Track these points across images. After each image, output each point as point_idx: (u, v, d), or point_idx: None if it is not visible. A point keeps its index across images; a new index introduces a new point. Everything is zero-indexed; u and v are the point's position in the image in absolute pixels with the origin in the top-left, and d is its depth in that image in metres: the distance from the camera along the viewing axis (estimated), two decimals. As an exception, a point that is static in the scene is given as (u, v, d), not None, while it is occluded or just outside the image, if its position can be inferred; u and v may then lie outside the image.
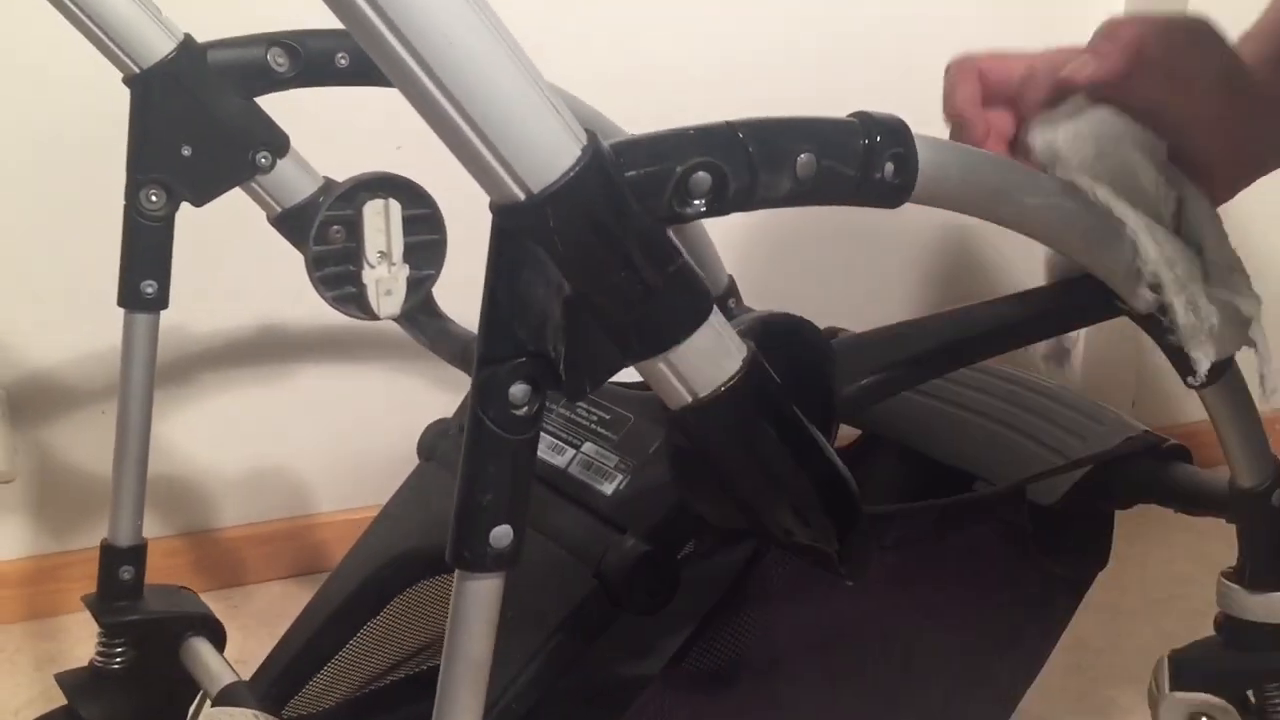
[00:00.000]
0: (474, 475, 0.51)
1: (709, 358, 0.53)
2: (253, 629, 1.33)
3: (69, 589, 1.35)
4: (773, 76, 1.55)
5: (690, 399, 0.53)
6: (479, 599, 0.52)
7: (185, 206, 0.86)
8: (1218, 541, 0.88)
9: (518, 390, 0.50)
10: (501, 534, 0.51)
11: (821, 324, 1.06)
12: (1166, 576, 1.34)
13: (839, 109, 0.56)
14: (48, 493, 1.39)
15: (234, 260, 1.33)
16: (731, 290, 1.32)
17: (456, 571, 0.52)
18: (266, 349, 1.42)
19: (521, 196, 0.47)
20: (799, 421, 0.57)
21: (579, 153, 0.47)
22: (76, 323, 1.33)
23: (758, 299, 1.36)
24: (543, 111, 0.46)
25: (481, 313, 0.50)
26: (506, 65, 0.45)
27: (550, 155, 0.46)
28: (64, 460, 1.38)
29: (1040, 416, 0.93)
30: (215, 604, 1.32)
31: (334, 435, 1.47)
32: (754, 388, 0.54)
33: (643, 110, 1.43)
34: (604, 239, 0.48)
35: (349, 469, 1.47)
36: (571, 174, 0.47)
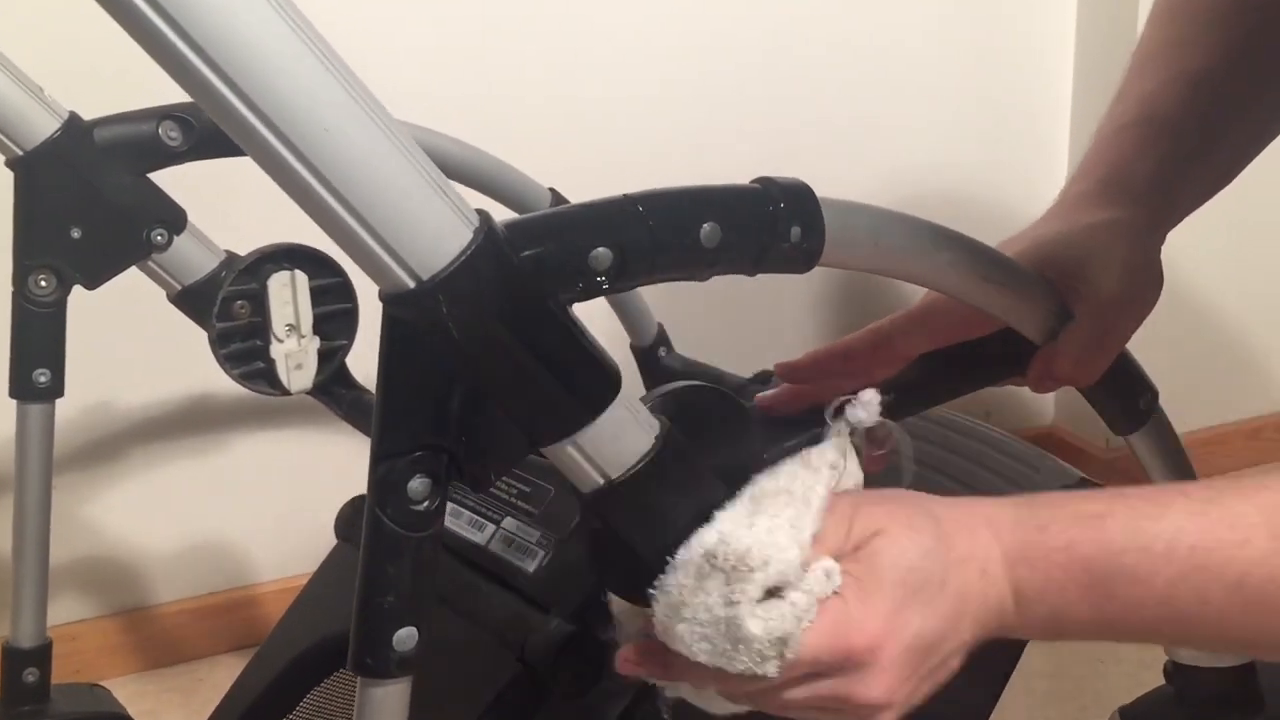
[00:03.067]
0: (373, 576, 0.48)
1: (619, 438, 0.50)
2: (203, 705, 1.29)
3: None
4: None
5: (603, 481, 0.51)
6: (384, 707, 0.50)
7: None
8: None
9: (417, 485, 0.47)
10: (405, 636, 0.49)
11: (758, 366, 1.04)
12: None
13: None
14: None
15: (156, 332, 1.29)
16: (662, 339, 1.30)
17: (359, 679, 0.49)
18: (196, 421, 1.39)
19: (411, 284, 0.44)
20: (721, 500, 0.55)
21: (470, 235, 0.45)
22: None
23: (691, 345, 1.34)
24: (427, 194, 0.43)
25: (375, 405, 0.47)
26: (387, 149, 0.42)
27: (438, 239, 0.44)
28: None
29: (977, 464, 0.91)
30: (160, 682, 1.28)
31: (270, 504, 1.44)
32: (668, 466, 0.52)
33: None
34: (501, 323, 0.46)
35: (287, 537, 1.44)
36: (463, 258, 0.44)
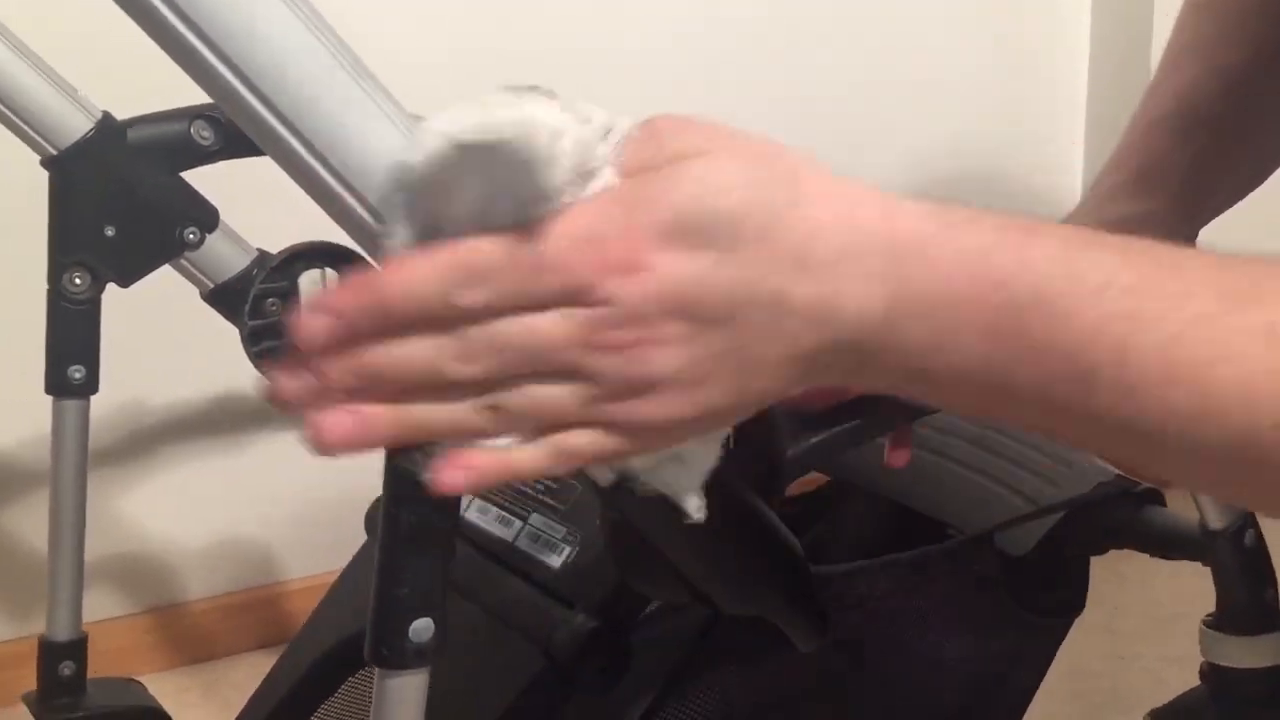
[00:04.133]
0: (390, 569, 0.48)
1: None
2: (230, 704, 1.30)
3: (19, 678, 1.32)
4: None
5: (617, 474, 0.50)
6: (402, 697, 0.50)
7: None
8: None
9: (432, 477, 0.47)
10: (422, 627, 0.49)
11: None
12: (1169, 594, 1.31)
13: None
14: None
15: (186, 330, 1.31)
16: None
17: (376, 670, 0.50)
18: (225, 418, 1.40)
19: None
20: (738, 491, 0.54)
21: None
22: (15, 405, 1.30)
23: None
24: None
25: (389, 396, 0.47)
26: (402, 145, 0.42)
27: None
28: (11, 544, 1.35)
29: (1011, 461, 0.90)
30: (190, 678, 1.29)
31: (298, 501, 1.45)
32: None
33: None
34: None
35: (316, 533, 1.45)
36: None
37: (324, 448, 0.40)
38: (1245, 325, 0.39)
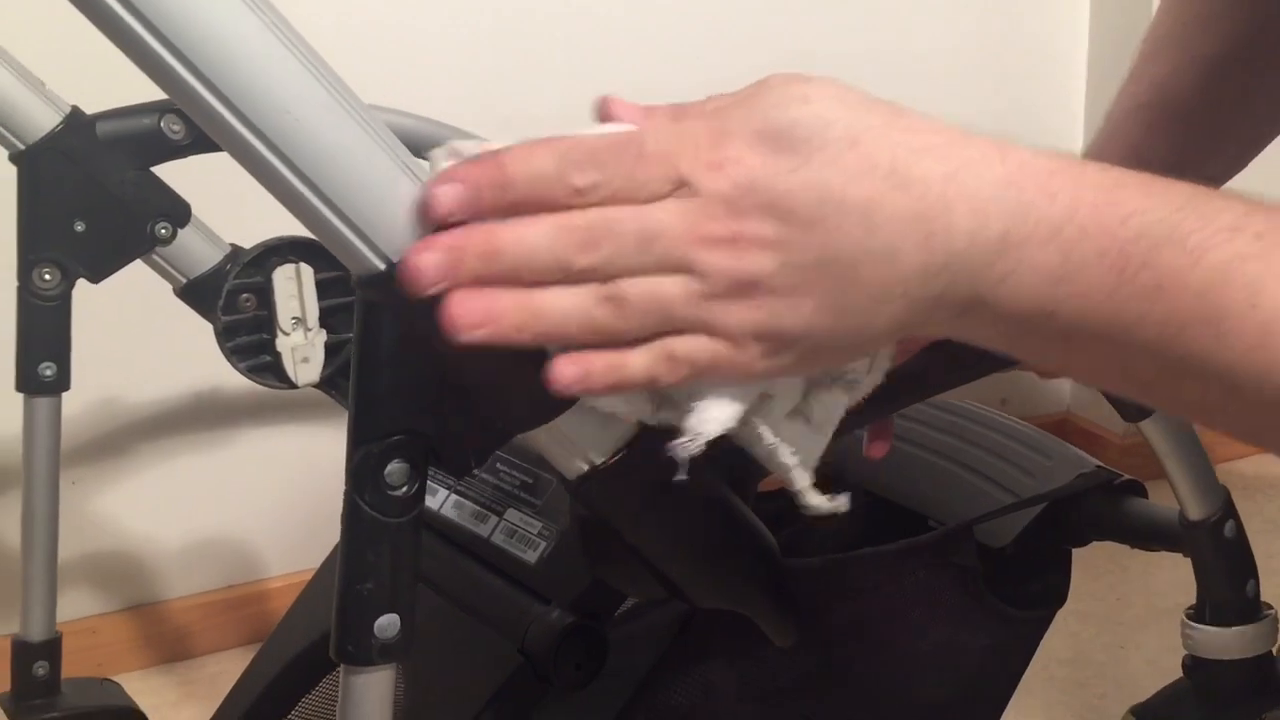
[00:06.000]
0: (353, 563, 0.47)
1: (604, 420, 0.50)
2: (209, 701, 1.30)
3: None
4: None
5: (588, 467, 0.50)
6: (368, 695, 0.49)
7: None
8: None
9: (395, 470, 0.47)
10: (387, 624, 0.48)
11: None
12: (1171, 583, 1.30)
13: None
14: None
15: (163, 327, 1.30)
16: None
17: (342, 667, 0.49)
18: (204, 415, 1.39)
19: (382, 266, 0.44)
20: (711, 485, 0.54)
21: (441, 216, 0.44)
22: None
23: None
24: (394, 174, 0.43)
25: (351, 390, 0.47)
26: (351, 129, 0.42)
27: (408, 220, 0.43)
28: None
29: (991, 453, 0.90)
30: (173, 676, 1.29)
31: (279, 497, 1.45)
32: (656, 448, 0.51)
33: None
34: (477, 304, 0.45)
35: (297, 530, 1.45)
36: (435, 239, 0.44)
37: (457, 331, 0.41)
38: None
